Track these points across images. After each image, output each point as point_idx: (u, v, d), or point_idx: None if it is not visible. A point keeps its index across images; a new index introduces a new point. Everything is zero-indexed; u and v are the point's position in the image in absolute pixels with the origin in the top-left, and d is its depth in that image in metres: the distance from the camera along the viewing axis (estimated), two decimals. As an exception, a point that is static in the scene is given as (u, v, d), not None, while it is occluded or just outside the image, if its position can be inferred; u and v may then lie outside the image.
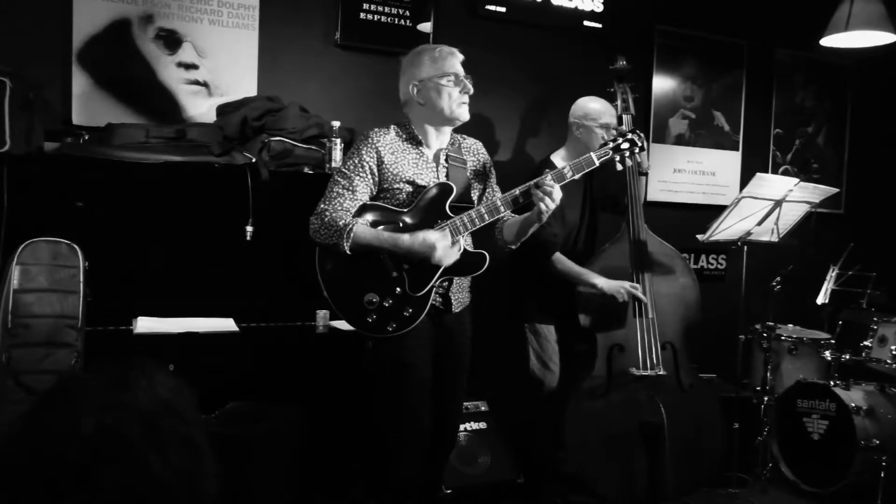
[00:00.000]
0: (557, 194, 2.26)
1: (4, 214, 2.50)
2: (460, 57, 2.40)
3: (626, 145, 2.46)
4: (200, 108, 3.11)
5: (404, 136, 2.39)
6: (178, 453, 0.83)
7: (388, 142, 2.35)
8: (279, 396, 2.67)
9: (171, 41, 3.07)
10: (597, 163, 2.40)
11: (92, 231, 2.55)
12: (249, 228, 2.75)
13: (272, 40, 3.23)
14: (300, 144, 2.90)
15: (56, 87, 2.87)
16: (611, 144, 2.45)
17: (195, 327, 2.61)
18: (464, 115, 2.39)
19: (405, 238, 2.23)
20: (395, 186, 2.32)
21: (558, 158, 3.14)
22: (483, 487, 3.11)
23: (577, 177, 2.37)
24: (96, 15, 2.94)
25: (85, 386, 0.85)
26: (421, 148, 2.40)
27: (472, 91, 2.39)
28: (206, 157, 2.77)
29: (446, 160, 2.42)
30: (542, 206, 2.24)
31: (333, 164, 2.86)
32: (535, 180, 2.31)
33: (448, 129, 2.45)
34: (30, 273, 2.33)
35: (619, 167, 2.50)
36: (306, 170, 2.92)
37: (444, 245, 2.23)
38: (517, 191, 2.33)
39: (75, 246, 2.40)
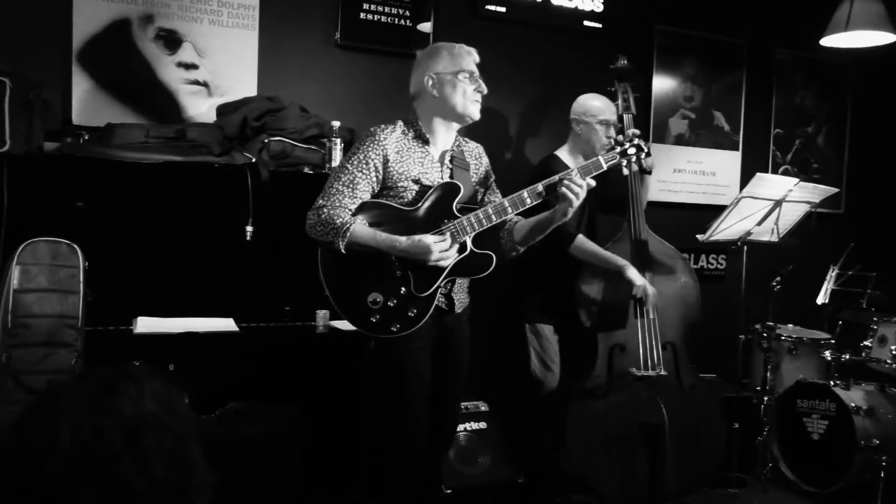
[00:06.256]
0: (585, 190, 2.27)
1: (4, 214, 2.50)
2: (476, 57, 2.41)
3: (632, 150, 2.46)
4: (200, 108, 3.11)
5: (411, 135, 2.37)
6: (163, 468, 0.80)
7: (394, 140, 2.32)
8: (279, 396, 2.67)
9: (171, 41, 3.07)
10: (605, 166, 2.40)
11: (92, 231, 2.54)
12: (249, 228, 2.75)
13: (272, 40, 3.23)
14: (300, 144, 2.90)
15: (56, 87, 2.87)
16: (618, 149, 2.45)
17: (195, 327, 2.61)
18: (475, 113, 2.38)
19: (402, 240, 2.20)
20: (400, 185, 2.30)
21: (564, 153, 3.16)
22: (483, 487, 3.11)
23: (589, 179, 2.37)
24: (96, 15, 2.94)
25: (67, 396, 0.82)
26: (427, 147, 2.38)
27: (485, 91, 2.39)
28: (206, 157, 2.76)
29: (451, 161, 2.40)
30: (571, 200, 2.25)
31: (333, 164, 2.87)
32: (559, 175, 2.31)
33: (455, 128, 2.43)
34: (30, 273, 2.32)
35: (626, 171, 2.51)
36: (306, 170, 2.92)
37: (440, 248, 2.20)
38: (525, 193, 2.32)
39: (75, 246, 2.40)
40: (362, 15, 3.37)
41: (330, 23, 3.33)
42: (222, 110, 2.99)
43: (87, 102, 2.93)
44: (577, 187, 2.25)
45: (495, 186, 2.55)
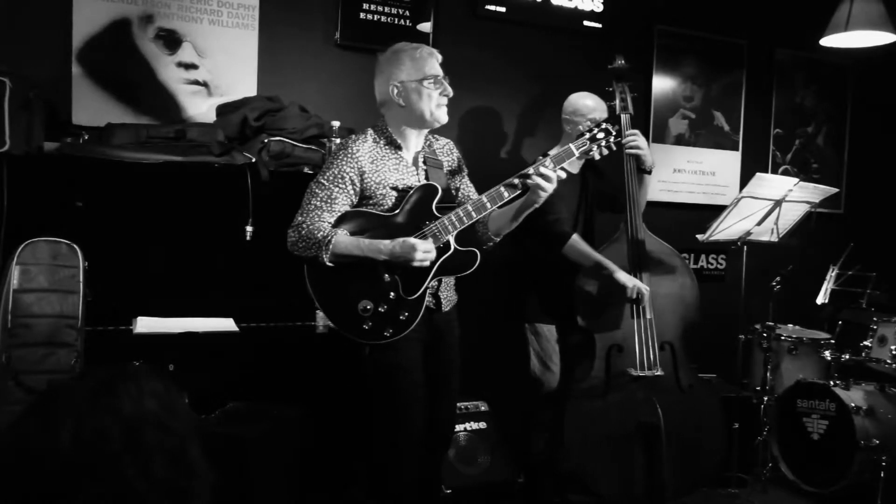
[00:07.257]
0: (555, 179, 2.30)
1: (4, 214, 2.50)
2: (439, 58, 2.39)
3: (601, 135, 2.45)
4: (200, 108, 3.11)
5: (382, 142, 2.38)
6: (163, 468, 0.80)
7: (367, 150, 2.33)
8: (279, 396, 2.67)
9: (171, 41, 3.07)
10: (576, 153, 2.41)
11: (92, 231, 2.54)
12: (249, 228, 2.75)
13: (272, 40, 3.23)
14: (300, 144, 2.90)
15: (56, 87, 2.87)
16: (587, 135, 2.45)
17: (195, 327, 2.61)
18: (443, 117, 2.39)
19: (385, 243, 2.22)
20: (378, 193, 2.31)
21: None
22: (483, 487, 3.12)
23: (559, 171, 2.37)
24: (96, 15, 2.94)
25: (67, 396, 0.82)
26: (400, 152, 2.39)
27: (451, 94, 2.39)
28: (206, 156, 2.76)
29: (424, 162, 2.42)
30: (539, 193, 2.29)
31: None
32: (527, 169, 2.33)
33: (425, 132, 2.45)
34: (30, 273, 2.33)
35: (597, 156, 2.49)
36: (306, 170, 2.92)
37: (424, 246, 2.21)
38: (502, 187, 2.34)
39: (75, 246, 2.40)
40: (362, 15, 3.37)
41: (330, 23, 3.34)
42: (222, 110, 2.99)
43: (87, 102, 2.93)
44: (544, 179, 2.28)
45: (468, 179, 2.57)
